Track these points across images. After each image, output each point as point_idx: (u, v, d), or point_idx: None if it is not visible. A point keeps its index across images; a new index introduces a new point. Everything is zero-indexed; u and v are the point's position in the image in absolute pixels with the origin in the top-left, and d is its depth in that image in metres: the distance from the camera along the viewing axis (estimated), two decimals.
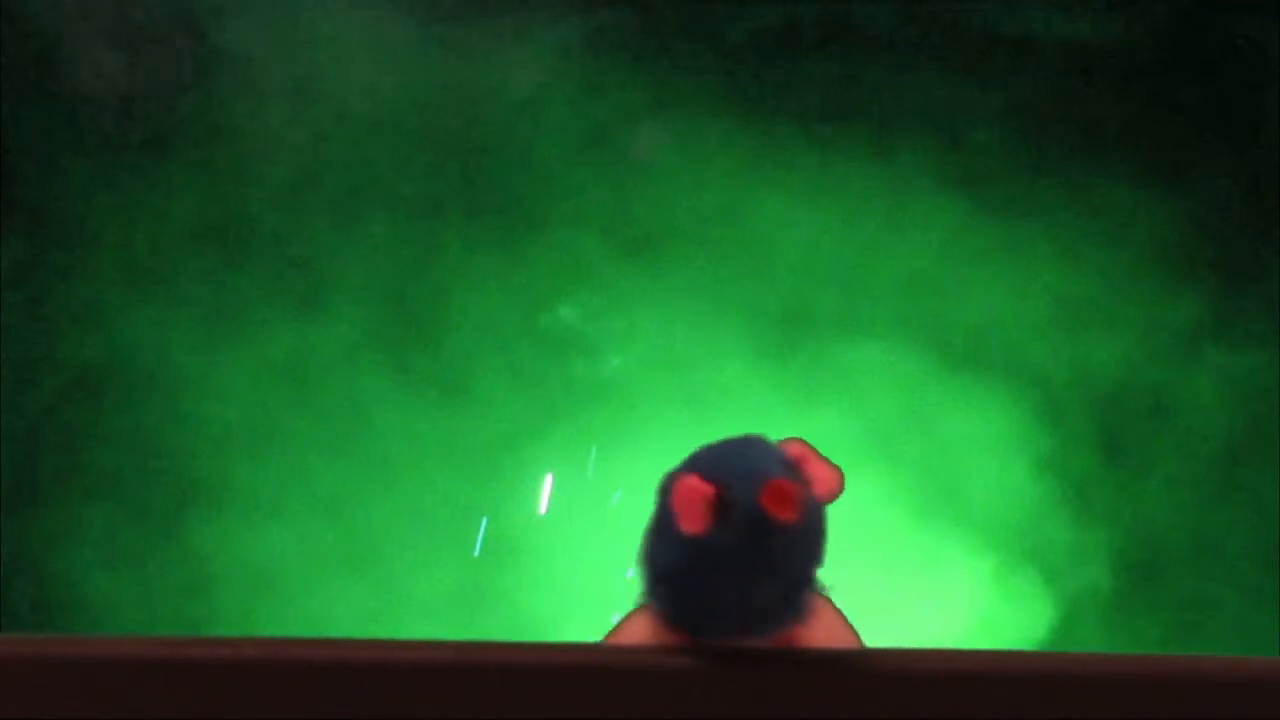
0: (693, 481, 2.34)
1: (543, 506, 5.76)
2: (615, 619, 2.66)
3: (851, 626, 2.63)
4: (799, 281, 5.84)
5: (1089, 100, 5.94)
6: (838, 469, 2.39)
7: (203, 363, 5.79)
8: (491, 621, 5.59)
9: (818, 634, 2.49)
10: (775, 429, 2.46)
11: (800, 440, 2.43)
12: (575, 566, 5.56)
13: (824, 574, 2.47)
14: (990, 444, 5.72)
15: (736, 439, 2.43)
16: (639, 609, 2.54)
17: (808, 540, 2.39)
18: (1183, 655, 2.13)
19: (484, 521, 5.75)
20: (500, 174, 5.96)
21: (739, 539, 2.34)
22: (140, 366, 5.82)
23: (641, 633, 2.50)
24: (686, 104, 5.96)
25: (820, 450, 2.41)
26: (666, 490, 2.40)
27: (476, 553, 5.74)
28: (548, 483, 5.77)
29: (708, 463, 2.39)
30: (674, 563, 2.39)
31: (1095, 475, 5.79)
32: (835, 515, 2.44)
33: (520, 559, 5.69)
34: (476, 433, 5.77)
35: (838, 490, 2.39)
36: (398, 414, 5.78)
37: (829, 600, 2.60)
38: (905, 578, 5.63)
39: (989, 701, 2.07)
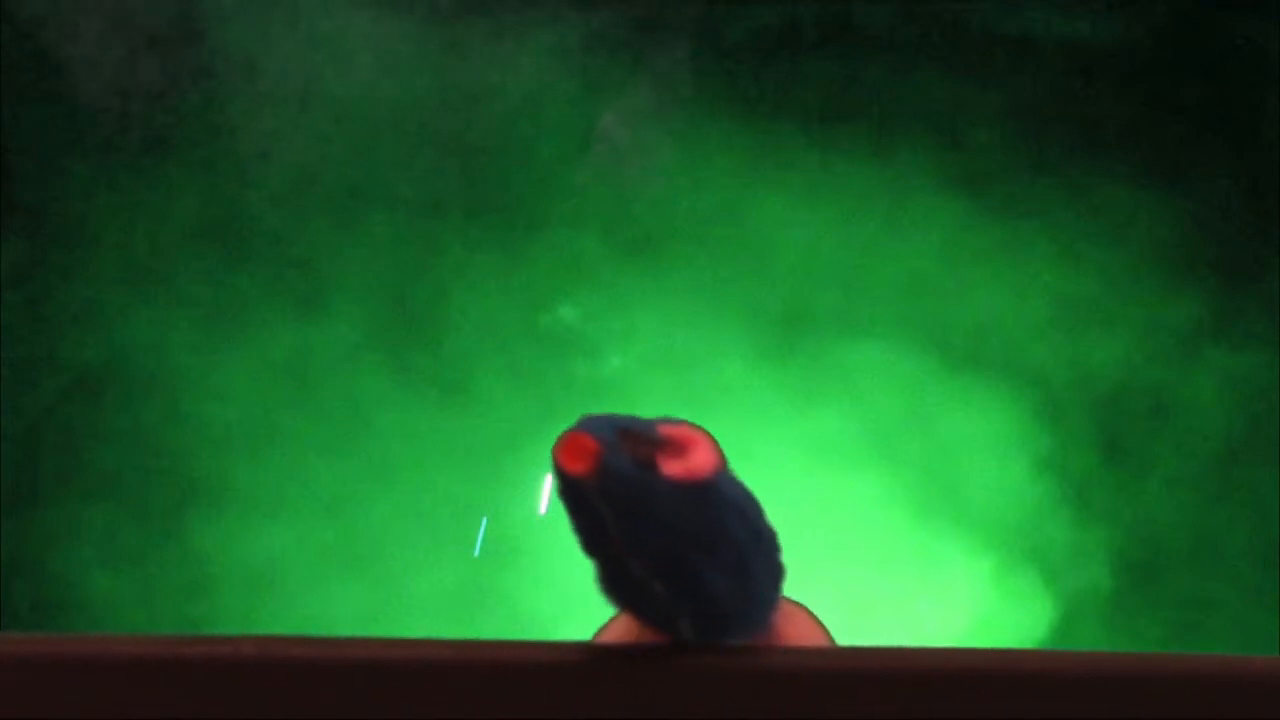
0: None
1: (543, 506, 5.76)
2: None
3: (824, 626, 2.60)
4: (799, 281, 5.84)
5: (1089, 100, 5.94)
6: (711, 452, 2.12)
7: (203, 363, 5.79)
8: (491, 621, 5.59)
9: (789, 634, 2.46)
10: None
11: (686, 423, 2.17)
12: (575, 566, 5.54)
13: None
14: (990, 444, 5.72)
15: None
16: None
17: (636, 511, 2.15)
18: (1183, 655, 2.13)
19: (484, 521, 5.75)
20: (500, 174, 5.96)
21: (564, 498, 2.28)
22: (140, 366, 5.82)
23: (621, 630, 2.49)
24: (686, 104, 5.97)
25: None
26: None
27: (476, 553, 5.74)
28: (548, 483, 5.77)
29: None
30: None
31: (1095, 475, 5.79)
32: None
33: (520, 559, 5.69)
34: (476, 433, 5.77)
35: (702, 467, 2.13)
36: (398, 414, 5.78)
37: (798, 605, 2.57)
38: (905, 577, 5.63)
39: (988, 701, 2.07)
